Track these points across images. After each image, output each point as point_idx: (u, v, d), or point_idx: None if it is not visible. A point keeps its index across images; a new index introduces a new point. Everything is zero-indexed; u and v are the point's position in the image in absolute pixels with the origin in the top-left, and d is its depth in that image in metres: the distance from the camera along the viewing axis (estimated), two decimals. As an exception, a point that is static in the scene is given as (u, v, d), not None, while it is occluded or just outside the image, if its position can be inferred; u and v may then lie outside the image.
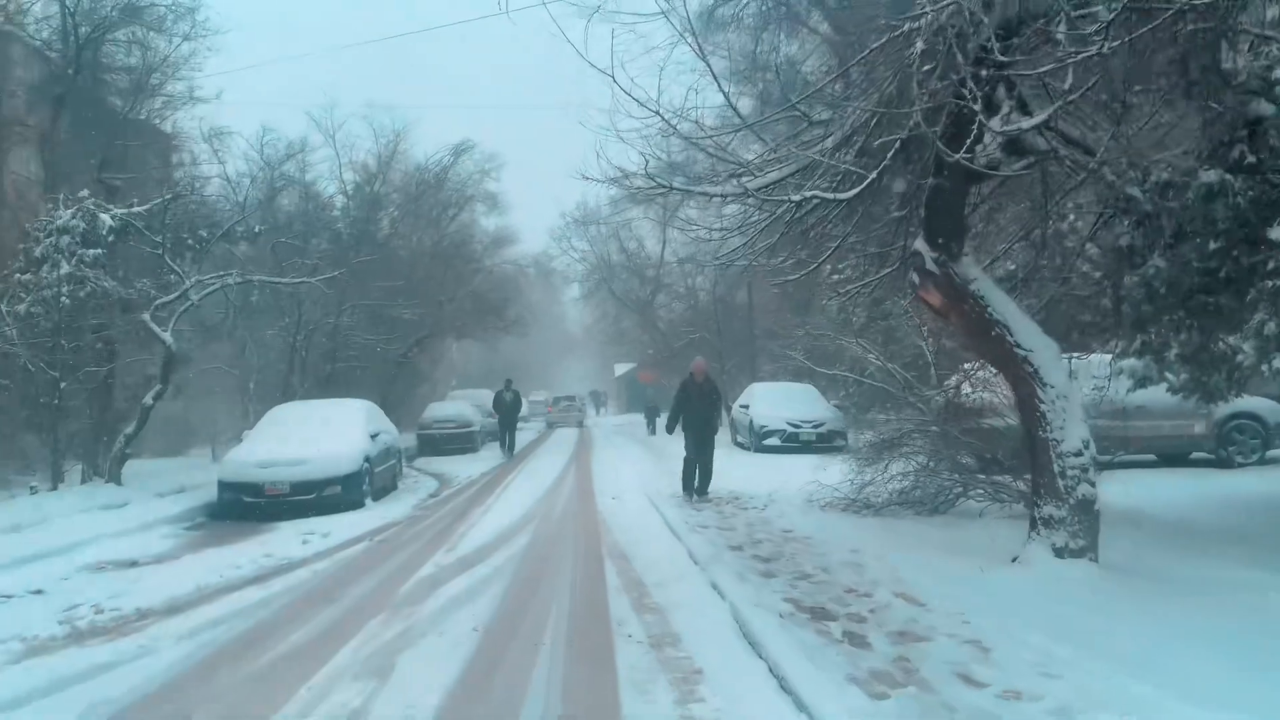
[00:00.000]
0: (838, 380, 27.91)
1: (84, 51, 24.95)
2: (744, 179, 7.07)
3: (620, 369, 61.35)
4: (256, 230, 18.06)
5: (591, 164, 10.03)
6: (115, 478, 14.56)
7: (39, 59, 25.47)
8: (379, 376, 28.98)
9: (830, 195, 6.69)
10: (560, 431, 40.98)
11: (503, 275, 39.76)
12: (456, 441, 25.75)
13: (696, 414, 13.05)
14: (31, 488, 13.51)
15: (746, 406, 21.52)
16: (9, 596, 7.68)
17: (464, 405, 27.75)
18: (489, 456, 24.03)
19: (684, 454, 13.17)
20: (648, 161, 7.20)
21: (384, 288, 24.93)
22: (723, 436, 27.08)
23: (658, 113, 7.42)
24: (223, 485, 12.83)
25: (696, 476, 12.94)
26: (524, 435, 31.81)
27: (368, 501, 13.43)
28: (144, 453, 21.48)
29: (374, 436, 14.39)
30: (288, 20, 66.59)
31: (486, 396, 33.20)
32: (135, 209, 15.83)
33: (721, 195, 7.55)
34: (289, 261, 18.56)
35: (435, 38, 75.15)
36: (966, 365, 11.34)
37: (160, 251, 15.05)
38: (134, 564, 9.19)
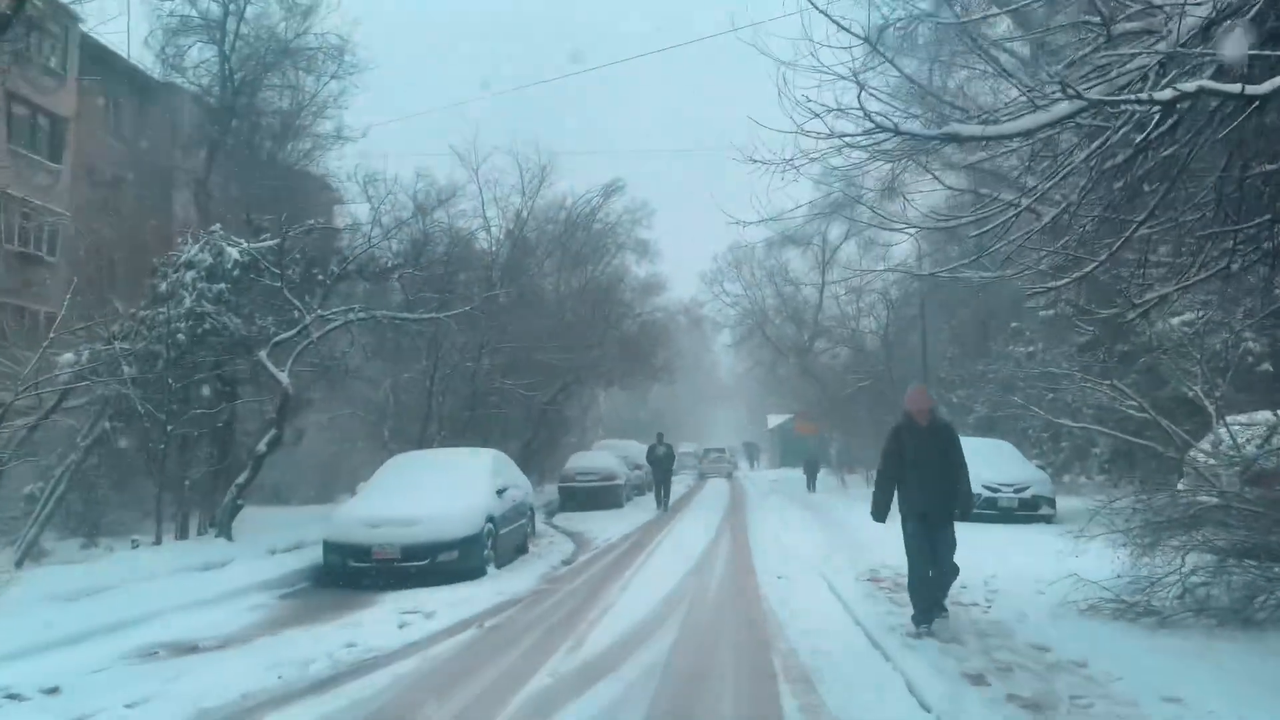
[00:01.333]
0: (1028, 436, 24.51)
1: (239, 96, 25.16)
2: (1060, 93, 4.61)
3: (774, 420, 58.49)
4: (390, 265, 16.80)
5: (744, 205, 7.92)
6: (225, 531, 13.26)
7: (196, 105, 25.82)
8: (521, 424, 27.58)
9: (1232, 89, 3.97)
10: (711, 483, 39.18)
11: (652, 323, 38.17)
12: (600, 496, 23.83)
13: (927, 476, 7.86)
14: (133, 541, 12.33)
15: (928, 465, 18.58)
16: (15, 697, 6.03)
17: (608, 456, 25.86)
18: (634, 514, 21.97)
19: (904, 542, 8.16)
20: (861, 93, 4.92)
21: (527, 330, 23.49)
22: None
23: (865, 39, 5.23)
24: (328, 547, 11.18)
25: (932, 582, 7.81)
26: (675, 489, 29.74)
27: (490, 569, 11.52)
28: (292, 499, 20.64)
29: (501, 492, 12.53)
30: (435, 53, 68.12)
31: (634, 448, 31.39)
32: (265, 243, 14.78)
33: (1037, 127, 4.93)
34: (418, 296, 17.15)
35: (582, 82, 75.49)
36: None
37: (279, 284, 13.83)
38: (194, 649, 7.49)
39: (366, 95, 30.25)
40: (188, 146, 25.39)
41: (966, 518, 7.72)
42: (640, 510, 23.28)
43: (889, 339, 28.26)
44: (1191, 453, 10.27)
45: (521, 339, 23.06)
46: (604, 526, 18.47)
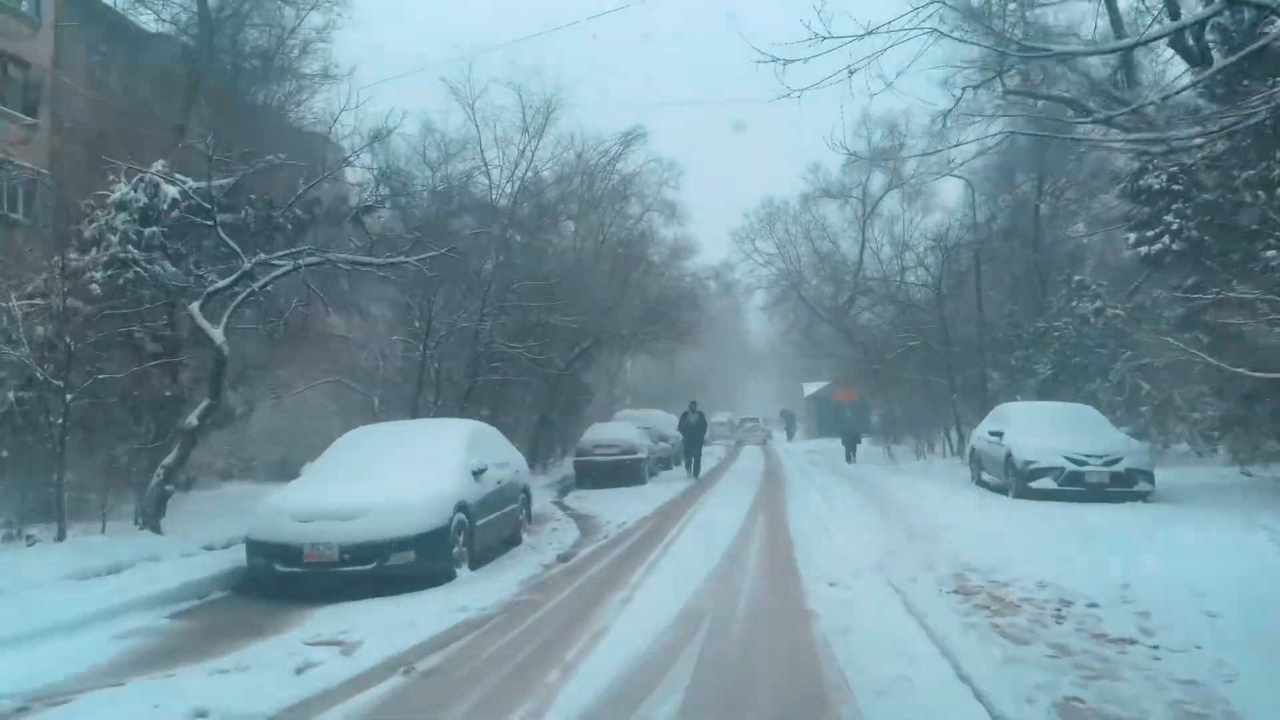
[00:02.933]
0: (1097, 400, 21.57)
1: (218, 34, 22.78)
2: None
3: (811, 388, 55.68)
4: (365, 205, 14.26)
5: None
6: (152, 522, 10.94)
7: (178, 50, 23.46)
8: (536, 394, 25.16)
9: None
10: (745, 453, 37.36)
11: (681, 289, 35.58)
12: (619, 471, 21.37)
13: None
14: (28, 538, 10.03)
15: (999, 434, 15.87)
16: None
17: (629, 428, 23.34)
18: (657, 491, 19.48)
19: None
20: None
21: (537, 289, 20.99)
22: (958, 473, 21.53)
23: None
24: (250, 546, 8.76)
25: None
26: (707, 462, 27.30)
27: (461, 570, 9.07)
28: (279, 478, 18.40)
29: (479, 473, 10.04)
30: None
31: (661, 418, 28.90)
32: (217, 182, 12.33)
33: None
34: (401, 240, 14.55)
35: (597, 32, 72.36)
36: None
37: (212, 223, 11.39)
38: (23, 710, 5.12)
39: (356, 33, 27.62)
40: (169, 96, 23.07)
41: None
42: (665, 486, 20.81)
43: (942, 291, 25.33)
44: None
45: (530, 298, 20.57)
46: (621, 507, 16.03)
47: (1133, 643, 5.64)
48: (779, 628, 6.77)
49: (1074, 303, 24.34)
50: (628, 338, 27.90)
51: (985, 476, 17.00)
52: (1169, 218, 12.76)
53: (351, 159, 15.03)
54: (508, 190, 20.62)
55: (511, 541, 11.38)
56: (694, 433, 23.22)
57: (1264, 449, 18.29)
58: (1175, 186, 13.21)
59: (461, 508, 9.29)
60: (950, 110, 26.09)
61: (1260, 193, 12.46)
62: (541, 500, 17.79)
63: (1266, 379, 13.07)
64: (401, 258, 12.46)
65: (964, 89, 24.70)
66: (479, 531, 9.73)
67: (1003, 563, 8.16)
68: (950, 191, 54.05)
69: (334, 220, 14.22)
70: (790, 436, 50.80)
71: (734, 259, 40.06)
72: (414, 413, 17.63)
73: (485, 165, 19.63)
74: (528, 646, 6.39)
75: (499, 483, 10.69)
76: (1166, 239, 12.67)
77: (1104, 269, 28.93)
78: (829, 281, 37.61)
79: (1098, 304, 23.90)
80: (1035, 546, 9.09)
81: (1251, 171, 12.34)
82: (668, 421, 28.88)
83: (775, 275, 38.98)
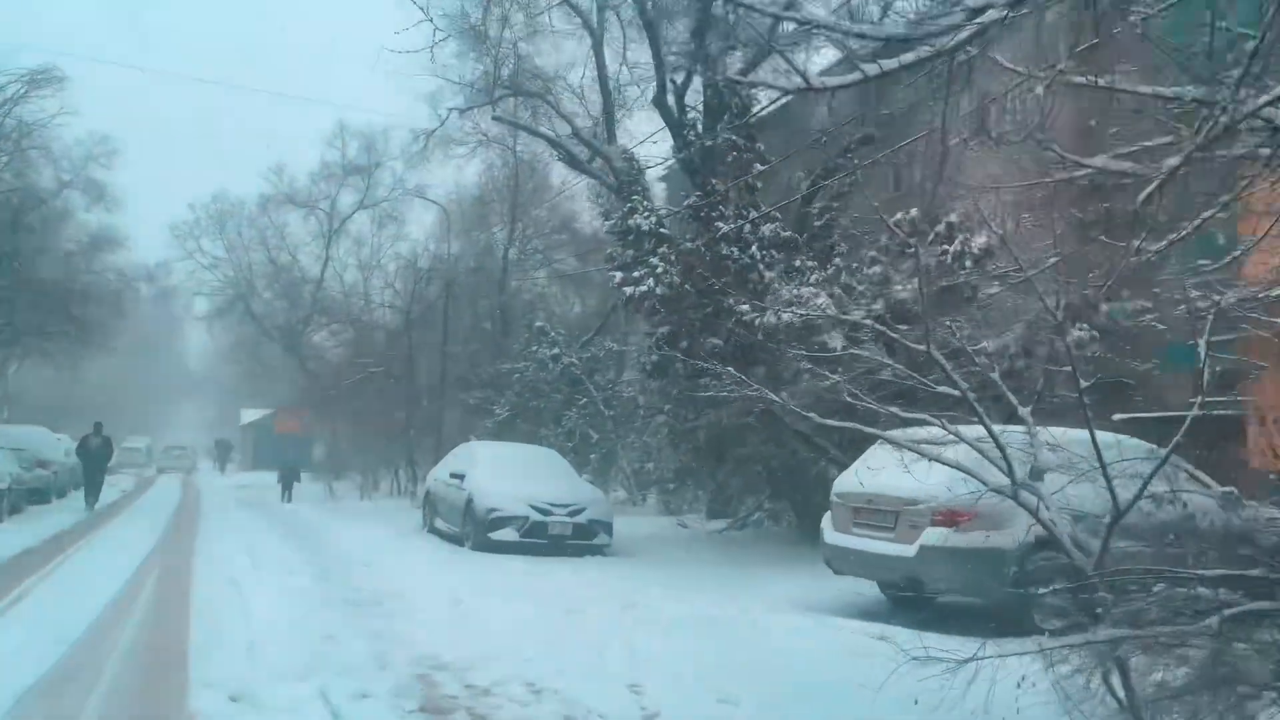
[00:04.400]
0: (550, 444, 21.29)
1: None
2: None
3: (250, 415, 50.25)
4: None
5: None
6: None
7: None
8: None
9: None
10: (164, 483, 32.10)
11: (103, 287, 29.26)
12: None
13: None
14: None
15: (460, 476, 14.21)
16: None
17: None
18: (16, 532, 14.39)
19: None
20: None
21: None
22: (409, 517, 19.41)
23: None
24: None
25: None
26: (110, 494, 21.97)
27: None
28: None
29: None
30: None
31: (42, 437, 22.73)
32: None
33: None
34: None
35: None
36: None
37: None
38: None
39: None
40: None
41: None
42: (33, 525, 15.68)
43: (411, 315, 23.48)
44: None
45: None
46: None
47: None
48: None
49: (534, 347, 24.27)
50: (2, 328, 21.47)
51: (439, 523, 15.24)
52: (655, 260, 12.28)
53: None
54: None
55: None
56: (95, 458, 20.27)
57: (697, 501, 19.35)
58: (662, 230, 12.86)
59: None
60: (435, 130, 25.10)
61: (734, 248, 12.58)
62: None
63: (724, 429, 13.26)
64: None
65: (450, 110, 23.82)
66: None
67: (479, 654, 6.16)
68: (421, 222, 53.29)
69: None
70: (223, 468, 44.87)
71: (174, 258, 34.20)
72: None
73: None
74: None
75: None
76: (651, 282, 12.14)
77: (561, 319, 29.85)
78: (284, 297, 33.84)
79: (555, 350, 24.04)
80: (514, 625, 7.29)
81: (730, 226, 12.41)
82: (51, 443, 22.78)
83: (223, 282, 34.10)
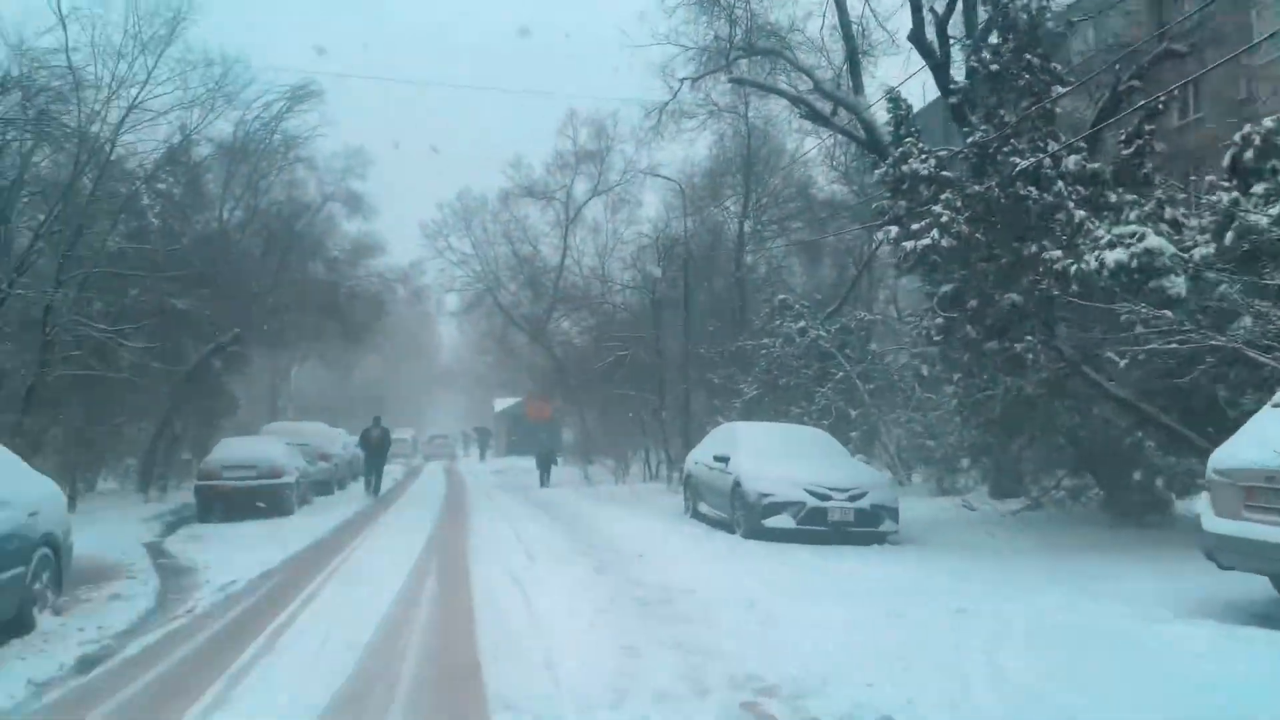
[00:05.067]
0: (806, 423, 20.04)
1: None
2: None
3: (502, 404, 52.37)
4: None
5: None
6: None
7: None
8: (153, 399, 19.58)
9: None
10: (429, 471, 34.14)
11: (365, 290, 31.03)
12: (256, 499, 16.61)
13: None
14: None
15: (724, 460, 13.33)
16: None
17: (274, 444, 18.53)
18: (305, 525, 15.07)
19: None
20: None
21: (147, 258, 15.79)
22: (667, 502, 18.93)
23: None
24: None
25: None
26: (384, 482, 23.16)
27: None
28: None
29: None
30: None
31: (322, 432, 24.15)
32: None
33: None
34: None
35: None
36: None
37: None
38: None
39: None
40: None
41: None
42: (318, 518, 16.38)
43: (655, 295, 22.97)
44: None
45: (136, 267, 15.35)
46: (243, 553, 11.60)
47: None
48: None
49: (778, 322, 23.08)
50: (284, 332, 22.94)
51: (703, 508, 14.48)
52: (937, 209, 10.76)
53: None
54: (110, 120, 15.21)
55: (14, 628, 6.86)
56: (375, 449, 21.78)
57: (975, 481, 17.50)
58: (944, 174, 11.30)
59: None
60: (667, 103, 24.44)
61: (1032, 187, 10.84)
62: (130, 541, 12.89)
63: (1023, 398, 11.55)
64: None
65: (682, 80, 23.04)
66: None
67: (807, 673, 5.14)
68: (654, 204, 53.42)
69: None
70: (483, 456, 46.81)
71: (425, 257, 35.87)
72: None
73: (74, 74, 13.89)
74: None
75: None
76: (935, 234, 10.63)
77: (801, 291, 28.48)
78: (528, 287, 34.62)
79: (801, 324, 22.72)
80: (832, 634, 6.21)
81: (1028, 161, 10.68)
82: (331, 437, 24.21)
83: (471, 277, 35.35)
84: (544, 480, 25.84)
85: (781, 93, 20.26)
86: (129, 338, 15.75)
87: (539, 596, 7.93)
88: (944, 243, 10.73)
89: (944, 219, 10.73)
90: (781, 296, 24.23)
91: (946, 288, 11.75)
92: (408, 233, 45.17)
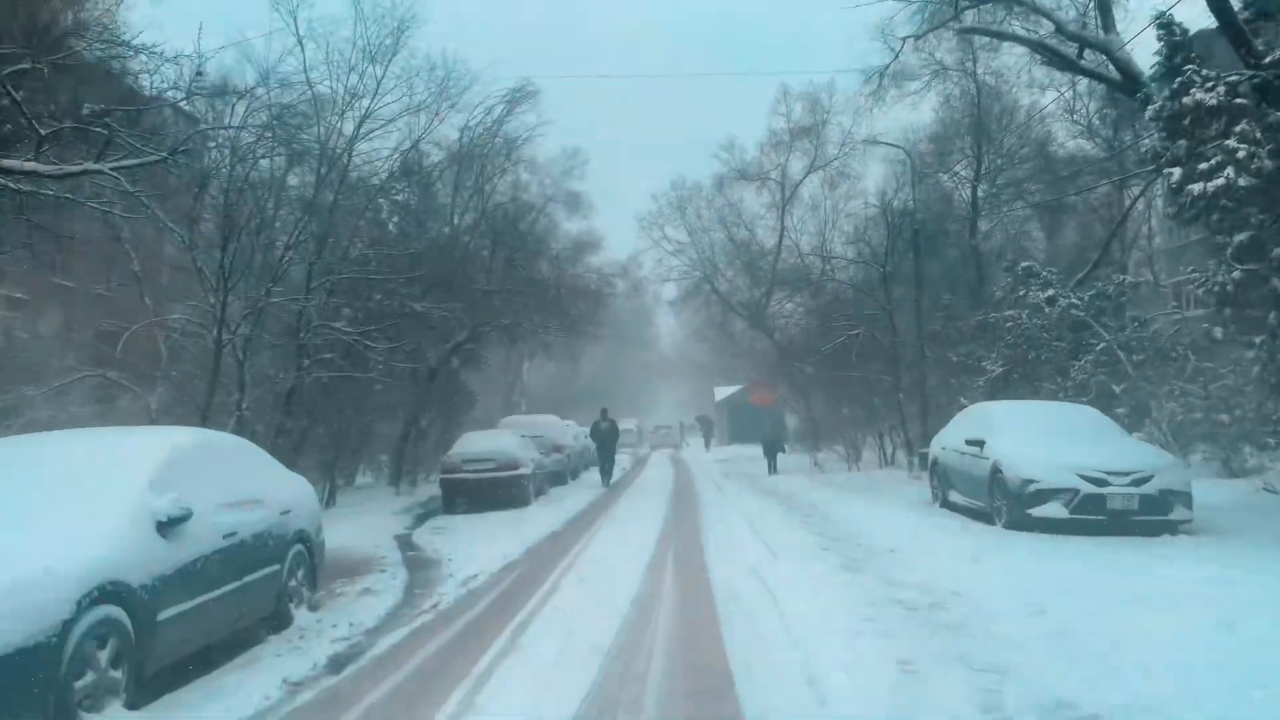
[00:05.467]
0: (1085, 399, 18.05)
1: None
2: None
3: (723, 392, 52.12)
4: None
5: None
6: None
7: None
8: (401, 397, 20.60)
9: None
10: (653, 462, 34.60)
11: (585, 286, 31.57)
12: (495, 491, 17.08)
13: None
14: None
15: (978, 443, 12.11)
16: None
17: (510, 438, 18.98)
18: (541, 516, 15.30)
19: None
20: None
21: (389, 260, 16.52)
22: (908, 489, 17.80)
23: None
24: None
25: None
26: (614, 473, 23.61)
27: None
28: None
29: (174, 522, 5.57)
30: None
31: (554, 425, 24.67)
32: None
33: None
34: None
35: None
36: None
37: None
38: None
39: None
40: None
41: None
42: (553, 509, 16.61)
43: (886, 269, 21.66)
44: None
45: (377, 273, 16.08)
46: (484, 545, 11.83)
47: None
48: None
49: (1021, 291, 21.12)
50: (513, 329, 23.56)
51: (954, 497, 13.30)
52: (1231, 142, 9.13)
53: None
54: (346, 133, 16.06)
55: (277, 623, 7.10)
56: (606, 440, 22.64)
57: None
58: (1238, 101, 9.60)
59: (115, 591, 4.90)
60: (889, 65, 23.00)
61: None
62: (382, 534, 13.45)
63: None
64: (93, 166, 7.78)
65: (905, 39, 21.55)
66: (159, 632, 5.32)
67: (1131, 702, 4.19)
68: (874, 177, 51.32)
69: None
70: (708, 444, 46.54)
71: (641, 248, 36.07)
72: (204, 419, 13.05)
73: (310, 85, 14.85)
74: None
75: (228, 536, 6.26)
76: (1230, 172, 9.02)
77: (1044, 258, 26.12)
78: (745, 272, 33.99)
79: (1049, 292, 20.68)
80: (1156, 648, 5.17)
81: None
82: (562, 429, 24.69)
83: (687, 265, 35.17)
84: (772, 468, 25.18)
85: (1018, 39, 18.47)
86: (374, 340, 16.52)
87: (787, 597, 7.30)
88: (1241, 182, 9.10)
89: (1240, 155, 9.10)
90: (1025, 263, 22.25)
91: (1242, 236, 10.04)
92: (624, 226, 45.79)
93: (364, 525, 14.26)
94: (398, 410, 21.30)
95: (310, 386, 15.52)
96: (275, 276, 13.80)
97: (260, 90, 13.66)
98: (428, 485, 21.29)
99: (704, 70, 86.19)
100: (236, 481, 6.80)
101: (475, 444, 18.40)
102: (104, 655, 4.86)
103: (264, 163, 14.17)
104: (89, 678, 4.75)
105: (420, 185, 21.13)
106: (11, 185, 7.56)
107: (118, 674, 4.96)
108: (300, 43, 14.73)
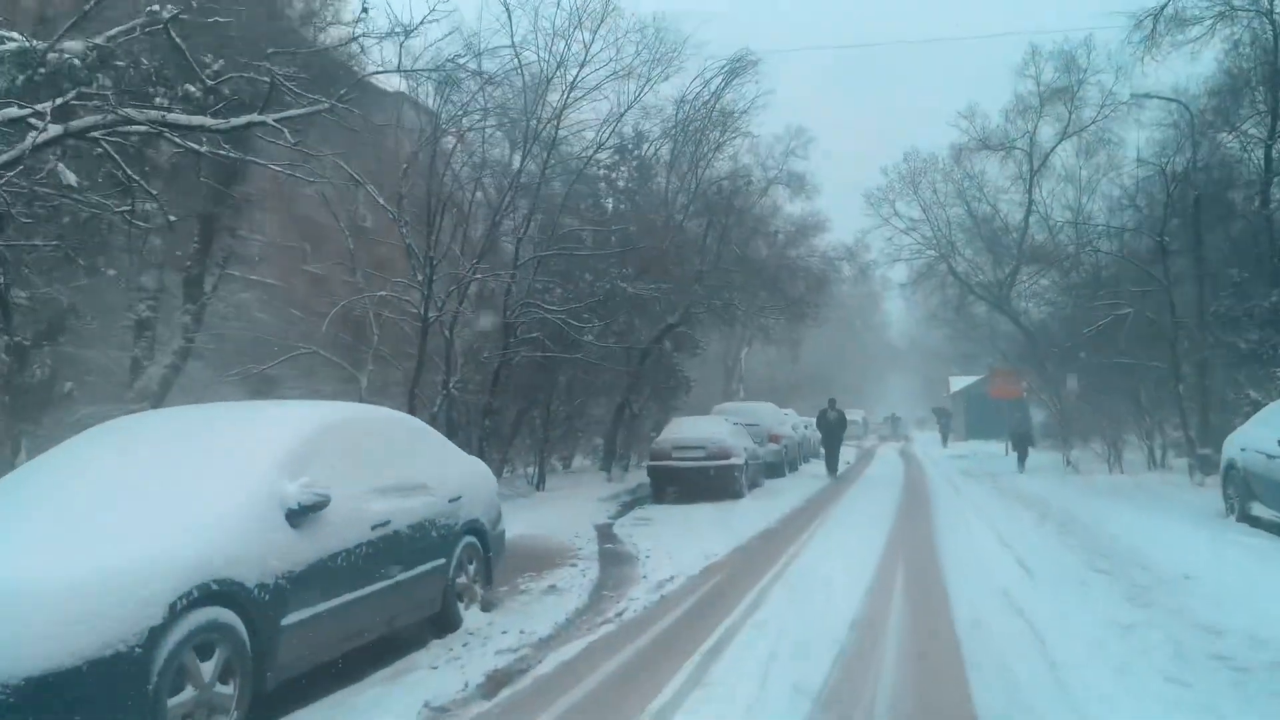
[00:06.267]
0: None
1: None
2: None
3: (960, 382, 48.48)
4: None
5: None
6: None
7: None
8: (613, 380, 20.00)
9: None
10: (880, 456, 32.58)
11: (809, 270, 29.92)
12: (705, 481, 16.03)
13: None
14: None
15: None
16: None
17: (722, 425, 17.80)
18: (754, 510, 14.05)
19: None
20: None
21: (600, 239, 15.79)
22: (1191, 497, 14.69)
23: None
24: None
25: None
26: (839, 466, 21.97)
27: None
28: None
29: (305, 510, 4.77)
30: None
31: (771, 413, 23.25)
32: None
33: None
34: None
35: None
36: None
37: None
38: None
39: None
40: None
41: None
42: (768, 503, 15.29)
43: (1165, 240, 18.54)
44: None
45: (586, 246, 15.38)
46: (688, 541, 10.78)
47: None
48: None
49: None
50: (727, 310, 22.37)
51: (1258, 509, 10.80)
52: None
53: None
54: (552, 102, 15.39)
55: (444, 623, 6.36)
56: (833, 430, 22.03)
57: None
58: None
59: (238, 591, 4.17)
60: (1164, 6, 19.74)
61: None
62: (583, 522, 12.70)
63: None
64: (232, 120, 7.20)
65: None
66: (293, 634, 4.56)
67: None
68: (1137, 143, 45.91)
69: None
70: (944, 439, 42.40)
71: (869, 227, 33.62)
72: (411, 400, 12.81)
73: (516, 53, 14.25)
74: None
75: (378, 526, 5.44)
76: None
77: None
78: (987, 251, 30.96)
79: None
80: None
81: None
82: (779, 418, 23.24)
83: (920, 244, 32.42)
84: (1020, 467, 22.59)
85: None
86: (584, 320, 15.88)
87: (1056, 638, 5.64)
88: None
89: None
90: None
91: None
92: (850, 207, 43.26)
93: (568, 511, 13.63)
94: (610, 393, 20.73)
95: (520, 366, 15.04)
96: (480, 253, 13.33)
97: (466, 59, 13.18)
98: (638, 471, 20.58)
99: (937, 36, 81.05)
100: (394, 464, 6.01)
101: (685, 430, 17.39)
102: (209, 667, 4.12)
103: (471, 136, 13.72)
104: (188, 693, 4.02)
105: (635, 161, 20.37)
106: (177, 141, 7.20)
107: (227, 689, 4.22)
108: (508, 11, 14.15)
